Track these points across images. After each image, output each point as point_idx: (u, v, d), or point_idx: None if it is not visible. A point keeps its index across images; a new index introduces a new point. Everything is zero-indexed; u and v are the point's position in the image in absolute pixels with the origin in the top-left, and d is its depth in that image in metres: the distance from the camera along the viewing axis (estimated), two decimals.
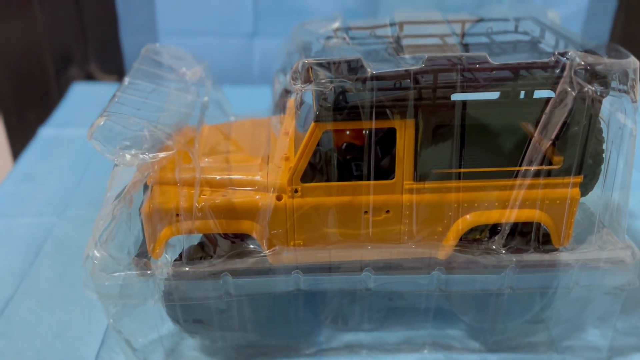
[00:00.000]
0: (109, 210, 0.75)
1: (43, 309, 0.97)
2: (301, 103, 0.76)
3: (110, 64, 1.90)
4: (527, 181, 0.76)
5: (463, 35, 0.90)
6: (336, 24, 0.90)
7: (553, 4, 1.59)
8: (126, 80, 0.83)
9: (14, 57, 1.83)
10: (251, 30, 1.82)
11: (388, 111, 0.72)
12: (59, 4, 1.82)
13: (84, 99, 1.74)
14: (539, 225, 0.79)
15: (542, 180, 0.76)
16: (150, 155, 0.71)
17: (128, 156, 0.71)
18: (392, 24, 0.89)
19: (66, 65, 1.89)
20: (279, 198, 0.76)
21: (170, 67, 0.92)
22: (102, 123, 0.70)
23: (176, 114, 0.80)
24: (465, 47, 0.87)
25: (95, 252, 0.74)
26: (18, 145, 1.80)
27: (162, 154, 0.72)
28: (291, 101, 0.92)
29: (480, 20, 0.91)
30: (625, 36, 1.73)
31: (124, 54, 1.87)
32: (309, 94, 0.77)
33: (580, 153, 0.74)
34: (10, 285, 1.02)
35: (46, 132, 1.56)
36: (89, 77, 1.91)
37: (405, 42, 0.86)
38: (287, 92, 0.92)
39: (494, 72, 0.72)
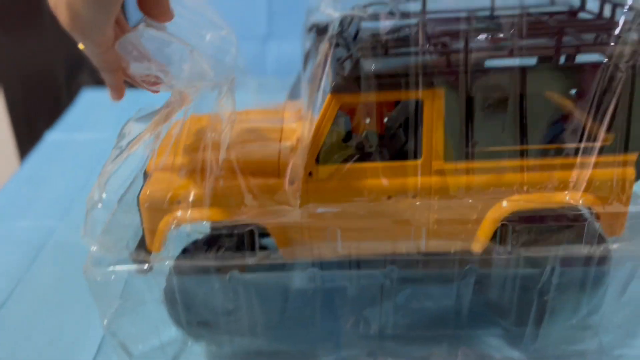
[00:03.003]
0: (121, 154, 0.69)
1: (37, 315, 0.90)
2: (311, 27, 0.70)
3: None
4: (572, 160, 0.67)
5: (493, 9, 0.83)
6: None
7: None
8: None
9: (24, 66, 1.82)
10: (265, 33, 1.78)
11: (416, 79, 0.64)
12: None
13: (92, 104, 1.71)
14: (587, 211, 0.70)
15: (590, 159, 0.67)
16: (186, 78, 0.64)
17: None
18: None
19: (76, 72, 1.86)
20: (291, 182, 0.69)
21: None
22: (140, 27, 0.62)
23: (210, 45, 0.72)
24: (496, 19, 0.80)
25: (93, 246, 0.69)
26: (27, 153, 1.78)
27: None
28: (309, 85, 0.85)
29: None
30: None
31: None
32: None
33: (636, 126, 0.66)
34: (3, 290, 0.95)
35: (52, 137, 1.53)
36: (99, 82, 1.87)
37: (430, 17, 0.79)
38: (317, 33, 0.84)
39: (534, 35, 0.64)
